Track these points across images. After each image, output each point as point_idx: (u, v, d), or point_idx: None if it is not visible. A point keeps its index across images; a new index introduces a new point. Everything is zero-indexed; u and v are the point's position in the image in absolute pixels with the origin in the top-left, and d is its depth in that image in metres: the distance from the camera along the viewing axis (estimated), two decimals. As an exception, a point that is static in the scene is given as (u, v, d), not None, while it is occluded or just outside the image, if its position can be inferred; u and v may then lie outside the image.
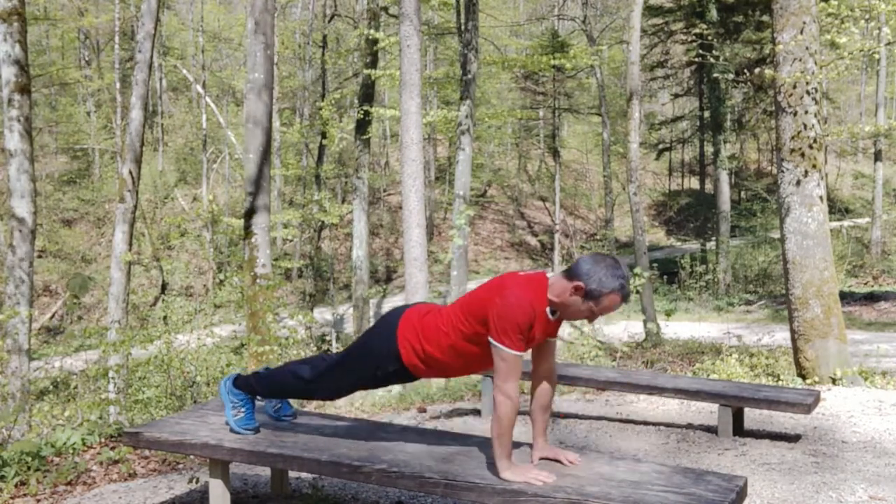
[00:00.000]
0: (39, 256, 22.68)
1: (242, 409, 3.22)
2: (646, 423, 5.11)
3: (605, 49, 26.25)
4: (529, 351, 2.82)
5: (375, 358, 2.95)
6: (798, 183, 6.64)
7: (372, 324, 3.64)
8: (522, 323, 2.64)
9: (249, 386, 3.22)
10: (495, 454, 2.69)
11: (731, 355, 7.97)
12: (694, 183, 35.70)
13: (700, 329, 14.51)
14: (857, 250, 24.15)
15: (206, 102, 27.15)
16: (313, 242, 23.94)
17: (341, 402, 6.58)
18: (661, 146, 31.54)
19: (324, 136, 19.28)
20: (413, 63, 8.38)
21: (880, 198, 24.49)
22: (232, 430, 3.21)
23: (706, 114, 25.19)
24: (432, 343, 2.84)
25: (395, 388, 7.25)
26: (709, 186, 29.30)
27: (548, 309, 2.72)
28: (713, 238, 24.04)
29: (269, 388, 3.20)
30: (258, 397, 3.28)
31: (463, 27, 14.71)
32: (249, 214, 8.23)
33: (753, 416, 5.26)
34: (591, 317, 2.71)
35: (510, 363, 2.64)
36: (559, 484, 2.62)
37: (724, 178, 22.20)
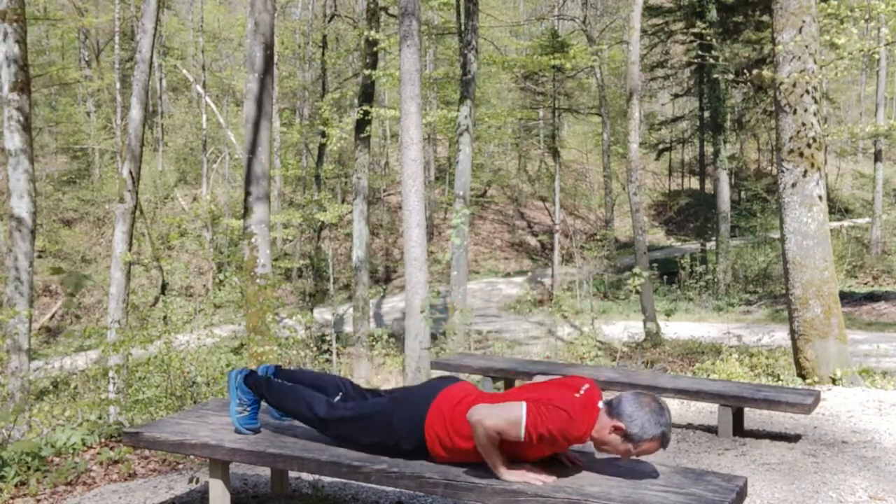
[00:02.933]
0: (39, 256, 22.67)
1: (248, 409, 3.20)
2: (646, 423, 5.10)
3: (605, 49, 26.25)
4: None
5: (397, 434, 2.86)
6: (798, 183, 6.64)
7: (404, 387, 3.52)
8: (560, 436, 2.57)
9: (259, 389, 3.19)
10: (490, 466, 2.68)
11: (731, 355, 7.97)
12: (694, 183, 35.69)
13: (700, 329, 14.52)
14: (857, 250, 24.15)
15: (206, 102, 27.15)
16: (313, 242, 23.94)
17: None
18: (661, 146, 31.53)
19: (323, 135, 19.28)
20: (413, 63, 8.38)
21: (880, 198, 24.48)
22: (234, 428, 3.21)
23: (706, 114, 25.18)
24: (463, 437, 2.74)
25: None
26: (709, 186, 29.27)
27: (589, 440, 2.69)
28: (713, 238, 24.03)
29: (279, 402, 3.14)
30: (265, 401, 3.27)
31: (463, 27, 14.71)
32: (249, 214, 8.23)
33: (753, 416, 5.26)
34: (625, 456, 2.67)
35: (510, 421, 2.56)
36: (559, 484, 2.62)
37: (724, 178, 22.20)
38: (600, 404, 2.70)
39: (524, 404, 2.58)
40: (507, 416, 2.57)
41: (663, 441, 2.62)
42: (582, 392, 2.69)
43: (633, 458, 2.68)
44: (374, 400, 3.00)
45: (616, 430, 2.62)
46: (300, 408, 3.05)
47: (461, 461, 2.81)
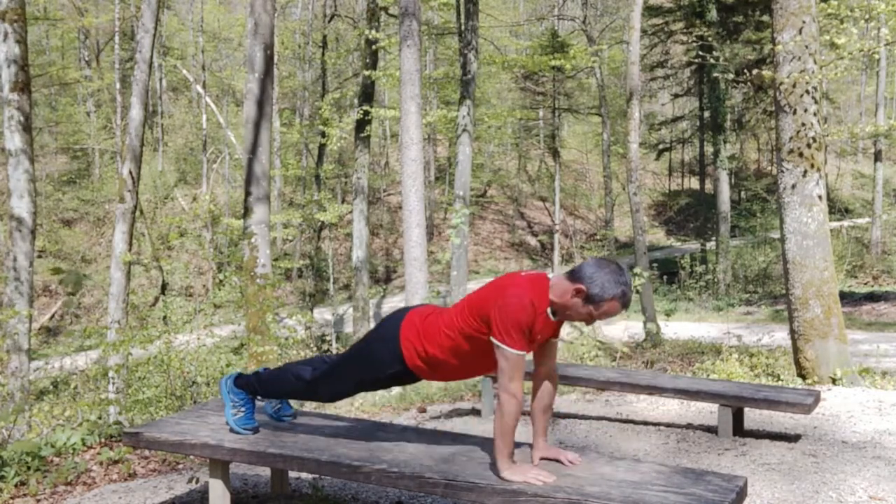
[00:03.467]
0: (39, 256, 22.67)
1: (242, 409, 3.22)
2: (646, 424, 5.11)
3: (605, 49, 26.25)
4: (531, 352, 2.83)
5: (378, 359, 2.95)
6: (798, 183, 6.64)
7: (374, 325, 3.64)
8: (523, 322, 2.64)
9: (250, 386, 3.23)
10: (496, 452, 2.70)
11: (731, 355, 7.97)
12: (694, 183, 35.70)
13: (700, 329, 14.51)
14: (857, 250, 24.16)
15: (206, 102, 27.14)
16: (313, 242, 23.94)
17: (341, 402, 6.58)
18: (661, 146, 31.54)
19: (323, 136, 19.29)
20: (413, 63, 8.38)
21: (880, 198, 24.50)
22: (231, 430, 3.21)
23: (706, 114, 25.19)
24: (434, 344, 2.84)
25: (396, 389, 7.25)
26: (709, 186, 29.28)
27: (549, 309, 2.73)
28: (713, 238, 24.04)
29: (269, 388, 3.20)
30: (258, 397, 3.29)
31: (463, 27, 14.71)
32: (249, 214, 8.24)
33: (753, 416, 5.26)
34: (589, 320, 2.73)
35: (513, 362, 2.65)
36: (559, 484, 2.62)
37: (724, 178, 22.20)
38: (553, 273, 2.79)
39: (501, 345, 2.64)
40: (509, 364, 2.65)
41: (623, 300, 2.66)
42: (524, 272, 2.81)
43: (597, 320, 2.73)
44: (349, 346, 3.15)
45: (577, 293, 2.67)
46: (290, 382, 3.13)
47: (441, 377, 2.93)
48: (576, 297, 2.68)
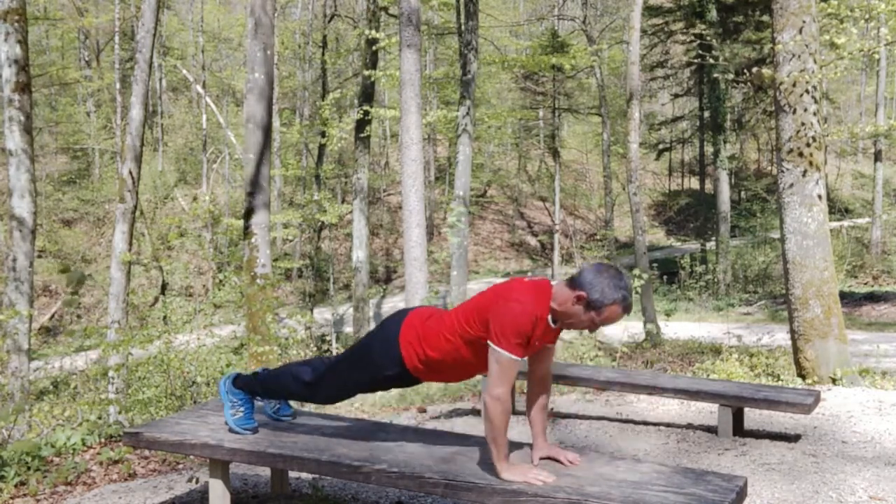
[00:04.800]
0: (39, 256, 22.67)
1: (241, 409, 3.22)
2: (646, 424, 5.11)
3: (605, 49, 26.25)
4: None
5: (378, 360, 2.95)
6: (797, 182, 6.64)
7: (373, 326, 3.65)
8: (523, 328, 2.64)
9: (249, 386, 3.23)
10: (493, 457, 2.70)
11: (731, 355, 7.97)
12: (694, 183, 35.70)
13: (700, 329, 14.51)
14: (857, 250, 24.16)
15: (206, 102, 27.15)
16: (313, 242, 23.93)
17: (341, 402, 6.58)
18: (660, 146, 31.54)
19: (323, 136, 19.29)
20: (413, 63, 8.38)
21: (880, 198, 24.50)
22: (230, 430, 3.21)
23: (706, 114, 25.19)
24: (433, 347, 2.84)
25: (395, 389, 7.25)
26: (709, 186, 29.29)
27: (549, 317, 2.72)
28: (713, 238, 24.05)
29: (268, 389, 3.21)
30: (258, 398, 3.29)
31: (463, 27, 14.71)
32: (249, 214, 8.23)
33: (753, 416, 5.26)
34: (591, 327, 2.71)
35: (505, 367, 2.64)
36: (559, 484, 2.62)
37: (724, 178, 22.20)
38: (556, 280, 2.79)
39: (496, 348, 2.64)
40: (501, 370, 2.64)
41: (624, 305, 2.66)
42: (530, 276, 2.78)
43: (599, 327, 2.73)
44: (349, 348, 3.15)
45: (578, 299, 2.66)
46: (288, 383, 3.13)
47: (439, 378, 2.93)
48: (577, 304, 2.67)
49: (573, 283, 2.70)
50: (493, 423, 2.66)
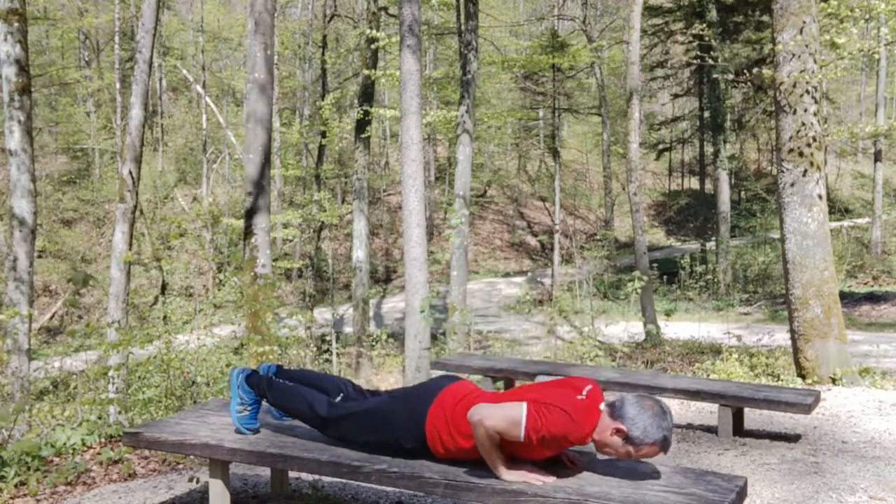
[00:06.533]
0: (39, 256, 22.67)
1: (248, 408, 3.20)
2: (646, 423, 5.10)
3: (605, 49, 26.25)
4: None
5: (398, 432, 2.86)
6: (797, 182, 6.64)
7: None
8: (555, 437, 2.56)
9: (261, 388, 3.19)
10: (490, 467, 2.68)
11: (731, 355, 7.97)
12: (694, 183, 35.70)
13: (700, 329, 14.51)
14: (857, 250, 24.15)
15: (206, 102, 27.14)
16: (313, 242, 23.93)
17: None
18: (660, 146, 31.53)
19: (324, 136, 19.29)
20: (413, 63, 8.37)
21: (880, 198, 24.50)
22: (235, 428, 3.21)
23: (706, 114, 25.18)
24: (465, 435, 2.74)
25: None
26: (709, 186, 29.30)
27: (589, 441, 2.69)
28: (713, 238, 24.03)
29: (280, 402, 3.14)
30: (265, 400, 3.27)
31: (463, 27, 14.71)
32: (249, 214, 8.24)
33: (753, 416, 5.26)
34: (626, 458, 2.66)
35: (509, 422, 2.56)
36: (559, 484, 2.62)
37: (724, 178, 22.20)
38: (602, 406, 2.69)
39: (525, 405, 2.57)
40: (508, 416, 2.56)
41: (664, 446, 2.61)
42: (584, 394, 2.68)
43: (633, 458, 2.68)
44: (374, 399, 3.01)
45: (618, 432, 2.61)
46: (302, 408, 3.05)
47: (462, 459, 2.81)
48: (615, 435, 2.61)
49: (613, 412, 2.63)
50: (483, 444, 2.63)
